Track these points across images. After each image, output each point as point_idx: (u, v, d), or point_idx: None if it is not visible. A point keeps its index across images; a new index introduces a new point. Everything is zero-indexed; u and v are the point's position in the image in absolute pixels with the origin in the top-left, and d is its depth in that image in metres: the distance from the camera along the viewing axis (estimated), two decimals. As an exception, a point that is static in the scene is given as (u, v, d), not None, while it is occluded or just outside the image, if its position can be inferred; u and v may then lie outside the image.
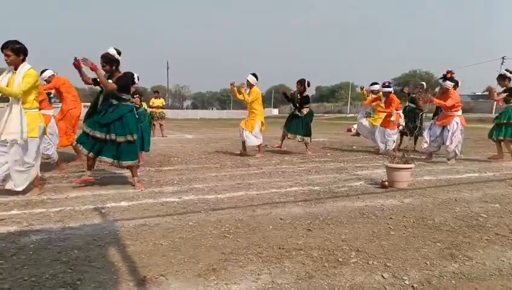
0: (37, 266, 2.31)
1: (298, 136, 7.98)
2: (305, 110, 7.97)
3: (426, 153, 7.30)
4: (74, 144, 4.54)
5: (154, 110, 13.95)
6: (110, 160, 4.42)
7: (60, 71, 6.50)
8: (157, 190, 4.51)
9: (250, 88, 7.49)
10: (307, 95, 8.10)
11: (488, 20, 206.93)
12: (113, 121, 4.33)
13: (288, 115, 8.19)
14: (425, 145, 7.06)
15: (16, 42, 3.90)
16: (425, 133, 7.10)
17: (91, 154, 4.36)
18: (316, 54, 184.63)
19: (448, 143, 6.65)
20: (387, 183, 4.66)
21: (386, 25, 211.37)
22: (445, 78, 6.68)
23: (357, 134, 9.90)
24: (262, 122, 7.61)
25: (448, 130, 6.66)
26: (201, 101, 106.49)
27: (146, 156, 7.39)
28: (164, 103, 14.58)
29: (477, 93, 57.48)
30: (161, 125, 14.08)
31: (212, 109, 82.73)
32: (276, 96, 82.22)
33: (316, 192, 4.43)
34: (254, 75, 7.51)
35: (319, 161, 7.23)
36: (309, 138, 8.04)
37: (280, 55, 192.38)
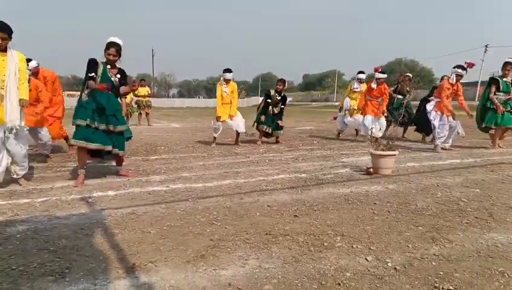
0: (24, 256, 2.31)
1: (280, 132, 8.19)
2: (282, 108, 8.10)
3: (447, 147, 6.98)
4: (76, 143, 4.16)
5: (139, 98, 13.80)
6: (117, 151, 4.29)
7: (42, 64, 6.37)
8: (144, 179, 4.51)
9: (228, 84, 7.49)
10: (285, 96, 8.18)
11: (471, 7, 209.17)
12: (112, 112, 4.19)
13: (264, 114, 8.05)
14: (440, 142, 6.80)
15: (5, 23, 3.69)
16: (439, 127, 6.79)
17: (100, 145, 4.12)
18: (303, 42, 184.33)
19: (459, 130, 6.82)
20: (371, 170, 4.75)
21: (372, 13, 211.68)
22: (465, 69, 6.72)
23: (339, 134, 9.66)
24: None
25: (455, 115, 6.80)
26: (187, 90, 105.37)
27: (132, 145, 7.38)
28: (149, 92, 14.42)
29: (461, 81, 58.39)
30: (147, 114, 13.95)
31: (199, 97, 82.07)
32: (263, 85, 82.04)
33: (302, 179, 4.48)
34: (230, 70, 7.49)
35: (306, 149, 7.30)
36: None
37: (267, 43, 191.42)
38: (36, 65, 5.86)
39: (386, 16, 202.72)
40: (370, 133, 7.32)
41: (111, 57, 4.17)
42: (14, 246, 2.45)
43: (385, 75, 8.07)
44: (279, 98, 8.00)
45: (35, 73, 5.84)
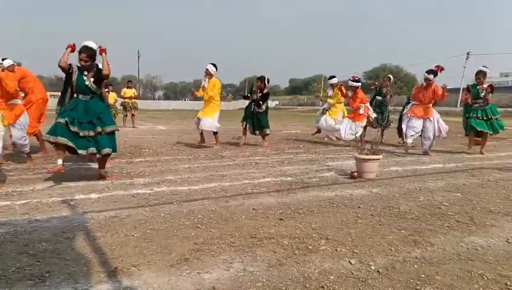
0: (2, 260, 2.24)
1: (265, 129, 8.18)
2: (264, 106, 8.12)
3: (406, 147, 7.25)
4: (46, 138, 4.24)
5: (126, 100, 13.67)
6: (94, 150, 4.23)
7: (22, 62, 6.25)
8: (128, 181, 4.45)
9: (210, 78, 7.46)
10: (268, 92, 8.23)
11: (454, 15, 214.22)
12: (98, 115, 4.24)
13: (246, 109, 8.27)
14: (410, 140, 7.06)
15: None
16: (406, 129, 7.07)
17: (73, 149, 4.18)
18: (289, 47, 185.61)
19: (437, 134, 6.96)
20: (356, 173, 4.80)
21: (357, 18, 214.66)
22: (435, 73, 6.88)
23: (318, 131, 10.00)
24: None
25: (431, 121, 6.93)
26: (173, 92, 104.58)
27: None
28: (136, 93, 14.31)
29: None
30: (133, 115, 13.82)
31: (185, 99, 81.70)
32: (249, 88, 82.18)
33: (288, 183, 4.50)
34: (214, 65, 7.48)
35: (292, 152, 7.33)
36: (269, 129, 8.33)
37: (253, 46, 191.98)
38: (12, 63, 5.74)
39: (372, 21, 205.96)
40: (353, 138, 7.49)
41: (83, 62, 4.20)
42: (-9, 250, 2.39)
43: (358, 84, 8.12)
44: (259, 95, 8.02)
45: (10, 72, 5.72)
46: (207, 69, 7.43)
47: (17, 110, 5.28)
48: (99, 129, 4.21)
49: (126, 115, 13.78)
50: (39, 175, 4.72)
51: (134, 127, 13.55)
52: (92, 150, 4.21)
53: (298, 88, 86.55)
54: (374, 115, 8.45)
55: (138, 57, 54.42)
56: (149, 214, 3.21)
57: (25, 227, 2.82)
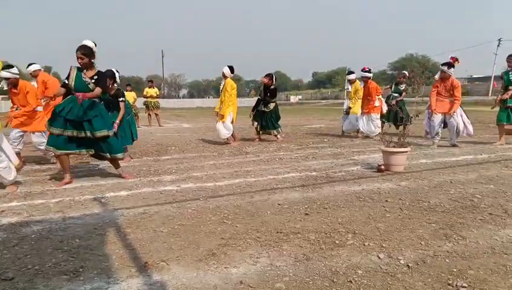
0: (39, 255, 2.35)
1: (273, 130, 8.18)
2: (271, 105, 8.07)
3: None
4: (47, 148, 4.38)
5: (148, 100, 13.91)
6: (108, 156, 4.37)
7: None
8: (156, 179, 4.55)
9: (225, 80, 7.50)
10: (275, 88, 8.15)
11: (484, 0, 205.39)
12: (90, 118, 4.18)
13: (255, 107, 8.28)
14: (437, 138, 6.86)
15: None
16: (431, 128, 6.89)
17: (72, 151, 4.27)
18: (312, 40, 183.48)
19: (461, 127, 6.73)
20: (383, 167, 4.71)
21: (381, 8, 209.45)
22: (450, 65, 6.67)
23: (343, 133, 9.87)
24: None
25: (457, 115, 6.71)
26: (197, 90, 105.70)
27: (143, 145, 7.46)
28: (158, 93, 14.51)
29: (473, 76, 57.51)
30: (156, 114, 14.04)
31: (208, 97, 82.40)
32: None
33: (313, 177, 4.47)
34: (230, 67, 7.53)
35: (316, 147, 7.27)
36: (280, 128, 8.32)
37: (275, 42, 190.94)
38: (38, 68, 5.95)
39: (397, 12, 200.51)
40: (379, 131, 7.37)
41: (79, 60, 4.19)
42: (29, 246, 2.50)
43: (369, 74, 8.12)
44: (268, 93, 8.01)
45: (35, 76, 5.92)
46: (223, 72, 7.53)
47: (37, 117, 5.45)
48: (88, 134, 4.19)
49: (150, 114, 14.03)
50: (56, 187, 4.88)
51: (160, 125, 13.80)
52: (87, 151, 4.33)
53: (321, 82, 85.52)
54: (385, 108, 8.42)
55: (162, 57, 55.29)
56: (176, 210, 3.27)
57: (60, 224, 2.94)
